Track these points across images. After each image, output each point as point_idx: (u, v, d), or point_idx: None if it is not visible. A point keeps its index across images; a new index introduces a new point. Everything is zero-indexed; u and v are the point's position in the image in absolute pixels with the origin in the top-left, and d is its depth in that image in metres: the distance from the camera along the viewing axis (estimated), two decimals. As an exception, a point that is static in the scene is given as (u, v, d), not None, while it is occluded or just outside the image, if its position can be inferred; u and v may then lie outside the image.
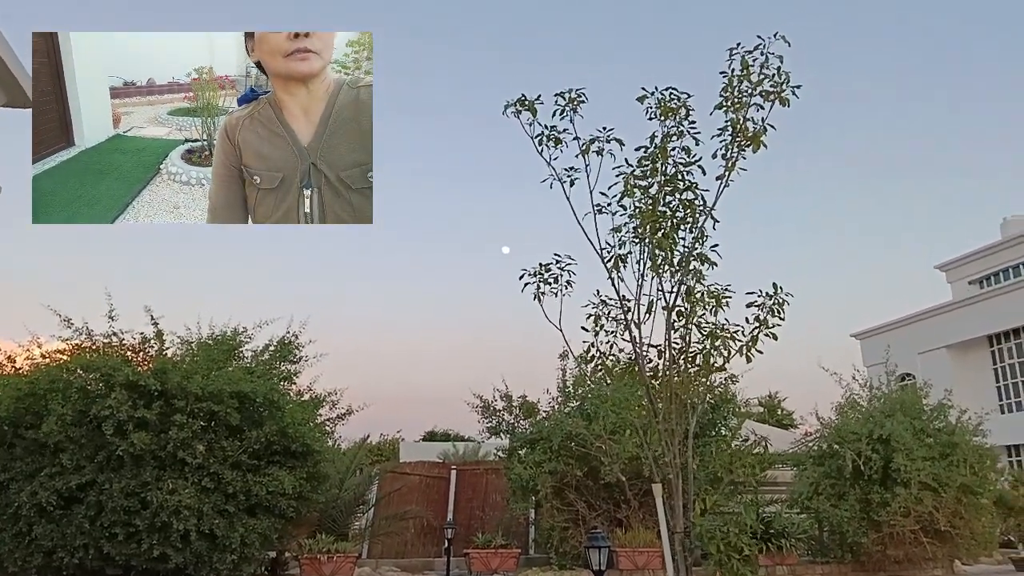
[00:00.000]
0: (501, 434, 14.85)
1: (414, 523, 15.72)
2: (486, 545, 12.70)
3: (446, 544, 12.82)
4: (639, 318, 5.80)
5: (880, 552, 13.00)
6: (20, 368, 10.23)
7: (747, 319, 5.72)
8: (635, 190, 5.84)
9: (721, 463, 9.71)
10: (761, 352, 5.61)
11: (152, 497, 9.25)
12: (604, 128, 5.94)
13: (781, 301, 5.68)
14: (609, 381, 6.25)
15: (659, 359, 5.77)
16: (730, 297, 5.71)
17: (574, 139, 6.03)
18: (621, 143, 5.93)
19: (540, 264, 6.11)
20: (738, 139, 5.75)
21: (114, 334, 10.63)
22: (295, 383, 12.26)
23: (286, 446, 10.35)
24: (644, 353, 5.76)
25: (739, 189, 6.13)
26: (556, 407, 14.29)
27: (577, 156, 5.97)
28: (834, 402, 14.80)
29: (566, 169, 5.99)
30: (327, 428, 12.40)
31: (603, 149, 5.92)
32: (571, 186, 5.95)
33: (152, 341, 10.93)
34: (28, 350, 10.43)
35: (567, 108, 5.97)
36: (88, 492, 9.31)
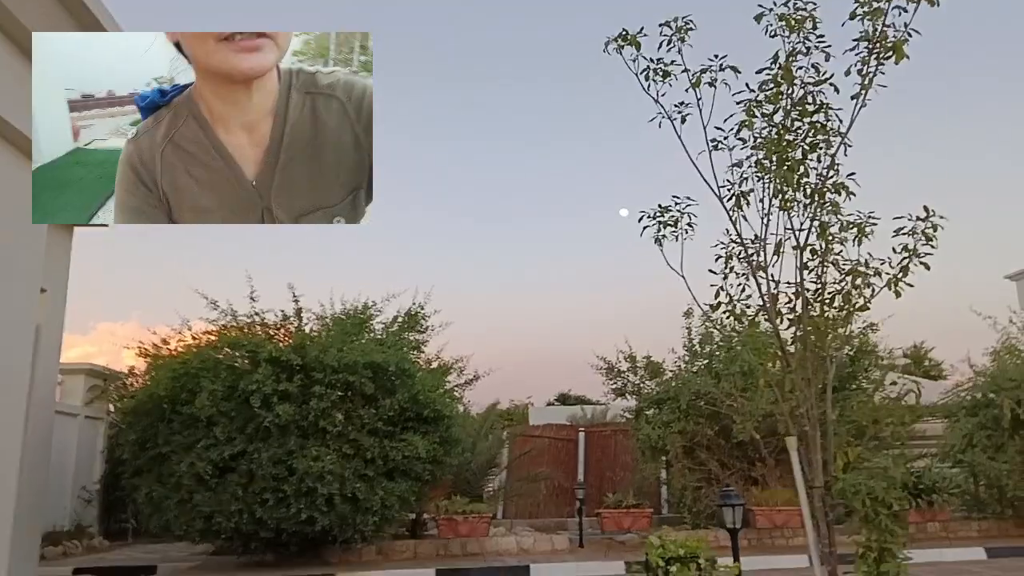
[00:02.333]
0: (627, 395, 14.77)
1: (545, 484, 15.97)
2: (617, 505, 12.71)
3: (578, 504, 12.92)
4: (766, 260, 5.39)
5: (1046, 507, 12.12)
6: (174, 350, 11.00)
7: (894, 249, 5.12)
8: (755, 119, 5.38)
9: (865, 415, 9.16)
10: (911, 286, 5.07)
11: (297, 464, 9.75)
12: (716, 56, 5.49)
13: (934, 225, 5.06)
14: (740, 328, 5.84)
15: (794, 301, 5.36)
16: (875, 224, 5.15)
17: (683, 71, 5.59)
18: (736, 71, 5.44)
19: (659, 206, 5.79)
20: (876, 50, 5.13)
21: (256, 313, 11.25)
22: (423, 352, 12.69)
23: (418, 412, 10.68)
24: (775, 295, 5.36)
25: (882, 107, 5.48)
26: (682, 366, 14.04)
27: (687, 90, 5.53)
28: (988, 349, 13.83)
29: (676, 105, 5.58)
30: (456, 394, 12.75)
31: (716, 79, 5.49)
32: (683, 123, 5.55)
33: (291, 318, 11.50)
34: (180, 333, 11.21)
35: (674, 38, 5.55)
36: (240, 461, 9.90)
